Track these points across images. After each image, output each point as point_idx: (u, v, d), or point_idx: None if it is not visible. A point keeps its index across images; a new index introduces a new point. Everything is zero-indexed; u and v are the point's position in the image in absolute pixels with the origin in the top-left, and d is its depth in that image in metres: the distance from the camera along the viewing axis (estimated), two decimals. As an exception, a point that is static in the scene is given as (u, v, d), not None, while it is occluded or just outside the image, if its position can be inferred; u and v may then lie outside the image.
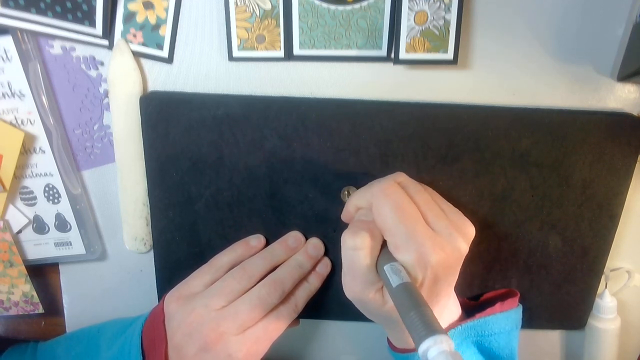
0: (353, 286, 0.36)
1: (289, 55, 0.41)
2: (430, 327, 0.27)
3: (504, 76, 0.42)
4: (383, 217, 0.34)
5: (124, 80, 0.41)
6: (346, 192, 0.42)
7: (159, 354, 0.38)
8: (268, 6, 0.40)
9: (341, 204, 0.43)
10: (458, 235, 0.35)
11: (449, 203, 0.38)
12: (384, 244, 0.35)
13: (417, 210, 0.34)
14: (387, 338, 0.42)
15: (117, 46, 0.41)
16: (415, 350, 0.38)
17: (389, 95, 0.43)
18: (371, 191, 0.36)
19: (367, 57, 0.41)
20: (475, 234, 0.37)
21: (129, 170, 0.44)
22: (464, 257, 0.35)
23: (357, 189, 0.42)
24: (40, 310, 0.49)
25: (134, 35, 0.41)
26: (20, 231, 0.46)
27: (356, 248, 0.34)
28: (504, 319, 0.41)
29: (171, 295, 0.41)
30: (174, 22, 0.41)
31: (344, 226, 0.43)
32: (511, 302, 0.42)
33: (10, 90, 0.41)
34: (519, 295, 0.44)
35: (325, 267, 0.44)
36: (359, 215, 0.38)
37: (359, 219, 0.37)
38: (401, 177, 0.38)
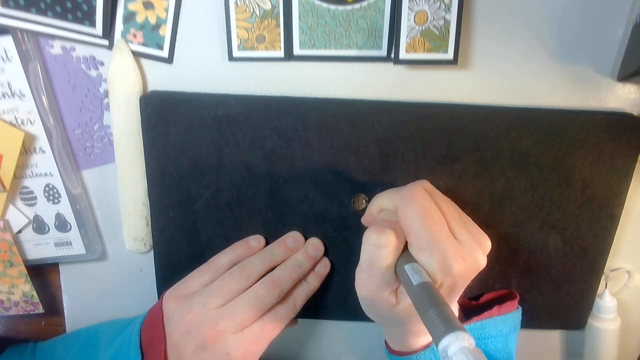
0: (368, 283, 0.36)
1: (289, 55, 0.41)
2: (451, 324, 0.27)
3: (504, 76, 0.42)
4: (409, 220, 0.34)
5: (124, 80, 0.41)
6: (363, 200, 0.42)
7: (158, 353, 0.38)
8: (268, 6, 0.40)
9: (341, 205, 0.43)
10: (479, 248, 0.35)
11: (466, 215, 0.38)
12: (404, 247, 0.35)
13: (443, 218, 0.35)
14: (385, 341, 0.42)
15: (117, 46, 0.41)
16: (412, 352, 0.38)
17: (389, 95, 0.43)
18: (399, 194, 0.36)
19: (367, 57, 0.41)
20: None
21: (129, 170, 0.44)
22: (480, 270, 0.35)
23: (366, 194, 0.42)
24: (40, 310, 0.49)
25: (134, 35, 0.41)
26: (20, 231, 0.46)
27: (380, 245, 0.34)
28: (502, 322, 0.41)
29: (169, 294, 0.41)
30: (174, 22, 0.41)
31: (344, 227, 0.43)
32: (510, 305, 0.42)
33: (10, 90, 0.41)
34: (518, 297, 0.44)
35: (324, 267, 0.44)
36: (382, 216, 0.38)
37: (383, 219, 0.37)
38: (426, 184, 0.38)
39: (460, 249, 0.34)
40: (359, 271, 0.36)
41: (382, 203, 0.38)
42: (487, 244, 0.36)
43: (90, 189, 0.46)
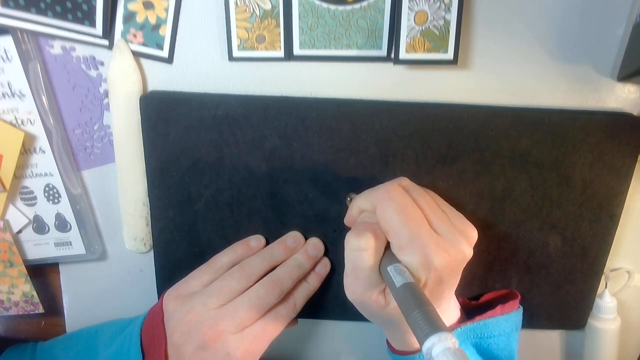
0: (355, 287, 0.36)
1: (289, 55, 0.41)
2: (434, 325, 0.27)
3: (504, 76, 0.42)
4: (387, 219, 0.34)
5: (124, 80, 0.41)
6: (349, 198, 0.42)
7: (159, 353, 0.38)
8: (268, 6, 0.40)
9: (341, 204, 0.43)
10: (462, 239, 0.35)
11: (451, 206, 0.38)
12: (387, 246, 0.35)
13: (421, 214, 0.35)
14: (386, 340, 0.42)
15: (117, 46, 0.41)
16: (414, 352, 0.38)
17: (389, 95, 0.43)
18: (375, 194, 0.36)
19: (367, 57, 0.41)
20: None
21: (129, 170, 0.44)
22: (467, 261, 0.35)
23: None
24: (40, 310, 0.49)
25: (134, 35, 0.41)
26: (20, 231, 0.46)
27: (360, 249, 0.34)
28: (504, 322, 0.41)
29: (169, 294, 0.41)
30: (174, 22, 0.41)
31: (344, 227, 0.43)
32: (512, 305, 0.42)
33: (10, 90, 0.41)
34: (519, 297, 0.44)
35: (324, 267, 0.44)
36: (362, 217, 0.38)
37: (363, 221, 0.37)
38: (404, 181, 0.38)
39: (442, 242, 0.34)
40: (345, 276, 0.36)
41: (361, 204, 0.38)
42: (472, 234, 0.36)
43: (90, 189, 0.46)
